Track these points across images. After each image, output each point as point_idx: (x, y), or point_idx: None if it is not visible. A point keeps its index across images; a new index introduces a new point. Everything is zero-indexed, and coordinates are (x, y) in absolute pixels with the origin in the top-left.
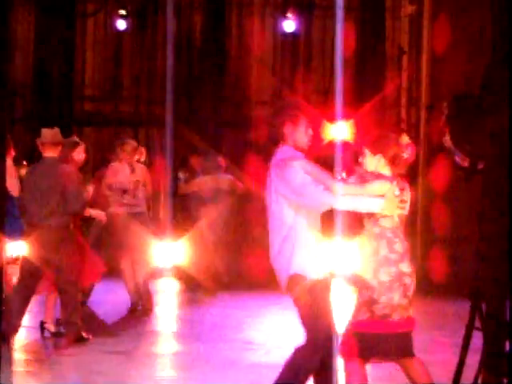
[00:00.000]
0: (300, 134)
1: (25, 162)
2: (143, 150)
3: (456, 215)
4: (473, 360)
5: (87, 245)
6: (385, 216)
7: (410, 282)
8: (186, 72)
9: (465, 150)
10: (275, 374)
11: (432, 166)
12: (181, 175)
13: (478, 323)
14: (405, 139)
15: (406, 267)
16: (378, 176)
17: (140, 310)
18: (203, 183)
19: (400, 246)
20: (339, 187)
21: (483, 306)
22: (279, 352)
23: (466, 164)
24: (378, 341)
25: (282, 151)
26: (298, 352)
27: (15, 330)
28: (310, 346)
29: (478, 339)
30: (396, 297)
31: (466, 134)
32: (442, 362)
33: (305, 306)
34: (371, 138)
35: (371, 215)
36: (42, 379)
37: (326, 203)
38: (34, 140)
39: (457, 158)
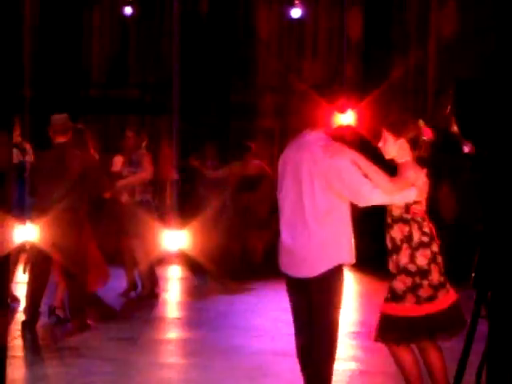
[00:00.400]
0: (333, 120)
1: (28, 147)
2: (145, 136)
3: (462, 203)
4: (479, 348)
5: (95, 246)
6: (416, 202)
7: (441, 259)
8: (192, 58)
9: (471, 138)
10: (280, 361)
11: (439, 153)
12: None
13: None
14: (421, 122)
15: (436, 246)
16: (407, 165)
17: (136, 295)
18: (233, 169)
19: (428, 228)
20: (389, 186)
21: (489, 294)
22: (285, 339)
23: (472, 151)
24: (428, 320)
25: (318, 137)
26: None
27: (36, 317)
28: (329, 341)
29: (483, 326)
30: (436, 277)
31: (472, 121)
32: (447, 349)
33: (338, 297)
34: (389, 121)
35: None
36: (47, 365)
37: (374, 201)
38: (40, 125)
39: (463, 146)
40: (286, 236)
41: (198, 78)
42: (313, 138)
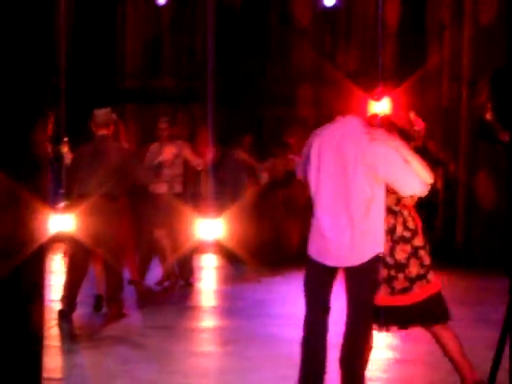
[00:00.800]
0: (368, 108)
1: (65, 139)
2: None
3: (499, 190)
4: None
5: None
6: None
7: (424, 253)
8: (226, 47)
9: (507, 125)
10: None
11: (474, 141)
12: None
13: None
14: (412, 114)
15: (418, 241)
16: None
17: (169, 285)
18: (276, 166)
19: (413, 223)
20: (427, 175)
21: None
22: None
23: (507, 139)
24: (400, 312)
25: (358, 124)
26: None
27: (73, 307)
28: (366, 327)
29: None
30: (414, 270)
31: (508, 108)
32: (483, 338)
33: (375, 286)
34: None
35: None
36: (83, 354)
37: (416, 190)
38: (76, 117)
39: (498, 133)
40: (325, 223)
41: (232, 67)
42: (354, 125)
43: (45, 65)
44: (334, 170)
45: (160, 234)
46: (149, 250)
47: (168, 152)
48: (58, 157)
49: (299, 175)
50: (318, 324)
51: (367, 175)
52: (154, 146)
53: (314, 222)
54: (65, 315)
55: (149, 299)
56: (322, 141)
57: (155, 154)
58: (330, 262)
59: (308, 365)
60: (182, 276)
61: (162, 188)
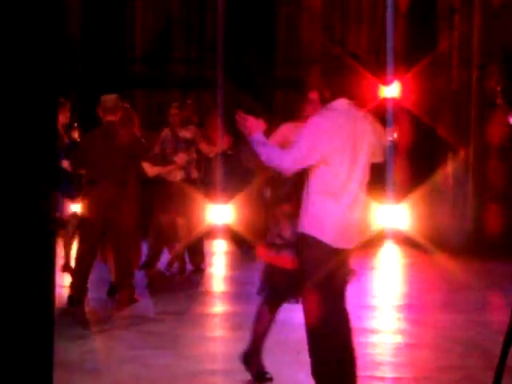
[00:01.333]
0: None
1: (76, 124)
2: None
3: (507, 173)
4: None
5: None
6: None
7: None
8: (236, 32)
9: None
10: None
11: (484, 124)
12: None
13: None
14: None
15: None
16: None
17: (177, 270)
18: None
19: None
20: None
21: None
22: None
23: None
24: None
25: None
26: None
27: (84, 293)
28: None
29: None
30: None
31: None
32: (492, 322)
33: None
34: None
35: None
36: (95, 339)
37: None
38: (85, 103)
39: (508, 116)
40: (341, 207)
41: (241, 51)
42: (354, 107)
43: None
44: (348, 155)
45: (177, 220)
46: (159, 237)
47: (181, 159)
48: (72, 143)
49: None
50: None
51: (369, 160)
52: (165, 133)
53: (330, 208)
54: (75, 301)
55: (159, 285)
56: (335, 125)
57: (167, 142)
58: (346, 245)
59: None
60: (193, 262)
61: (178, 175)
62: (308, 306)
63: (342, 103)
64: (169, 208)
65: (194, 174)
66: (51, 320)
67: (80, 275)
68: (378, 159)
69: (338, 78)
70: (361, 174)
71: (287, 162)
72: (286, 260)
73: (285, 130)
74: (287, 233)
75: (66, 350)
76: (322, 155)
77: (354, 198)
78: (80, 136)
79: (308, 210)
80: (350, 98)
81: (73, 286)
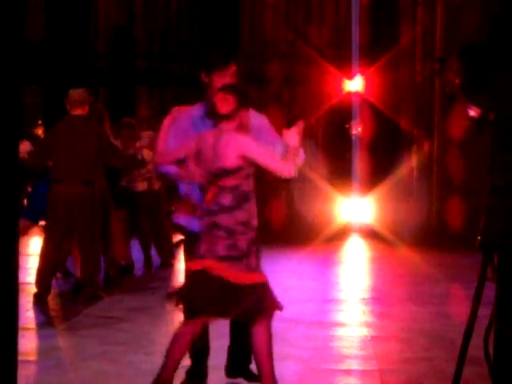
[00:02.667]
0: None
1: (40, 122)
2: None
3: (470, 166)
4: (487, 313)
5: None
6: None
7: None
8: (198, 27)
9: (475, 102)
10: (293, 328)
11: (447, 117)
12: None
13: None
14: None
15: None
16: None
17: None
18: None
19: None
20: None
21: (495, 258)
22: (297, 306)
23: (477, 115)
24: None
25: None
26: None
27: (49, 290)
28: None
29: (491, 291)
30: None
31: (476, 85)
32: (456, 314)
33: None
34: None
35: None
36: (60, 336)
37: None
38: (47, 99)
39: (468, 110)
40: None
41: (203, 46)
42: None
43: (12, 47)
44: None
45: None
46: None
47: (147, 154)
48: (33, 138)
49: None
50: None
51: None
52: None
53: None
54: (40, 298)
55: (125, 281)
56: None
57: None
58: None
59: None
60: (161, 256)
61: (141, 186)
62: None
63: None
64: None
65: (157, 185)
66: (15, 317)
67: (44, 272)
68: None
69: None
70: None
71: None
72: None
73: None
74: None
75: (30, 346)
76: None
77: None
78: (44, 133)
79: None
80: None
81: (37, 283)
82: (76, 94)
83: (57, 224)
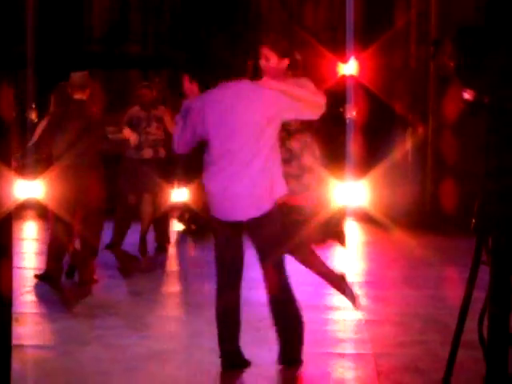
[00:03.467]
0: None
1: (33, 106)
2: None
3: (465, 149)
4: (482, 296)
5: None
6: None
7: None
8: (193, 9)
9: (470, 84)
10: None
11: (441, 101)
12: None
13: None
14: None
15: None
16: None
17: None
18: None
19: None
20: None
21: (489, 241)
22: None
23: (471, 98)
24: None
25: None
26: None
27: (61, 272)
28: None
29: (486, 274)
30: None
31: (471, 68)
32: (450, 297)
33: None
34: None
35: None
36: (56, 320)
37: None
38: (42, 83)
39: (463, 93)
40: (220, 180)
41: (199, 30)
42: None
43: (7, 29)
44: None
45: (144, 197)
46: (125, 216)
47: (128, 133)
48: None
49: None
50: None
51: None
52: (134, 110)
53: (215, 182)
54: (50, 281)
55: (129, 265)
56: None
57: (137, 120)
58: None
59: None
60: (158, 240)
61: (147, 153)
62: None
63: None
64: (136, 185)
65: (162, 153)
66: (8, 301)
67: (55, 257)
68: (304, 116)
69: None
70: (247, 146)
71: (176, 140)
72: None
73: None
74: None
75: (24, 331)
76: (197, 132)
77: (238, 170)
78: (37, 117)
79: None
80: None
81: (48, 266)
82: (77, 77)
83: (54, 205)
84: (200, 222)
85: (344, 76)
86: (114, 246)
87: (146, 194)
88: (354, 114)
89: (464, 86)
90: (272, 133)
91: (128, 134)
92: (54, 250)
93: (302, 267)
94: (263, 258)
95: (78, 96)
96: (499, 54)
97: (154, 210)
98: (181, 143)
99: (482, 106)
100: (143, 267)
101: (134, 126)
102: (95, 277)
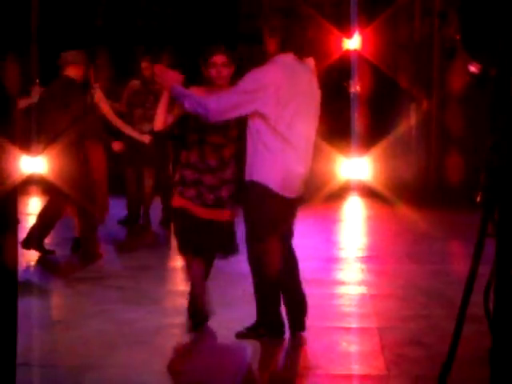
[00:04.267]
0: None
1: (37, 81)
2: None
3: (469, 123)
4: (487, 271)
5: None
6: None
7: None
8: None
9: (476, 57)
10: None
11: (446, 75)
12: None
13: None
14: None
15: None
16: None
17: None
18: None
19: None
20: None
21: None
22: None
23: (477, 71)
24: None
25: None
26: None
27: (43, 248)
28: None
29: (491, 249)
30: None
31: (477, 40)
32: (454, 271)
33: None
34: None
35: None
36: (59, 295)
37: None
38: (47, 59)
39: (469, 65)
40: (286, 159)
41: (202, 6)
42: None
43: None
44: (303, 112)
45: (146, 172)
46: (137, 192)
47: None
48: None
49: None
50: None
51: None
52: (134, 84)
53: (281, 160)
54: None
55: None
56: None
57: (136, 94)
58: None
59: None
60: (164, 215)
61: (146, 127)
62: (256, 255)
63: (287, 57)
64: (135, 159)
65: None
66: (14, 275)
67: (43, 231)
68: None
69: (300, 30)
70: (307, 127)
71: (213, 109)
72: (224, 214)
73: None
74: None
75: (31, 305)
76: (256, 108)
77: (301, 150)
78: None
79: (256, 160)
80: (298, 50)
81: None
82: (68, 55)
83: (54, 180)
84: None
85: (348, 51)
86: (129, 222)
87: (146, 168)
88: (359, 88)
89: (470, 58)
90: None
91: (142, 138)
92: (46, 219)
93: (306, 243)
94: (292, 231)
95: (67, 73)
96: (506, 24)
97: (154, 183)
98: (224, 115)
99: (489, 78)
100: (148, 241)
101: (132, 100)
102: (99, 251)
